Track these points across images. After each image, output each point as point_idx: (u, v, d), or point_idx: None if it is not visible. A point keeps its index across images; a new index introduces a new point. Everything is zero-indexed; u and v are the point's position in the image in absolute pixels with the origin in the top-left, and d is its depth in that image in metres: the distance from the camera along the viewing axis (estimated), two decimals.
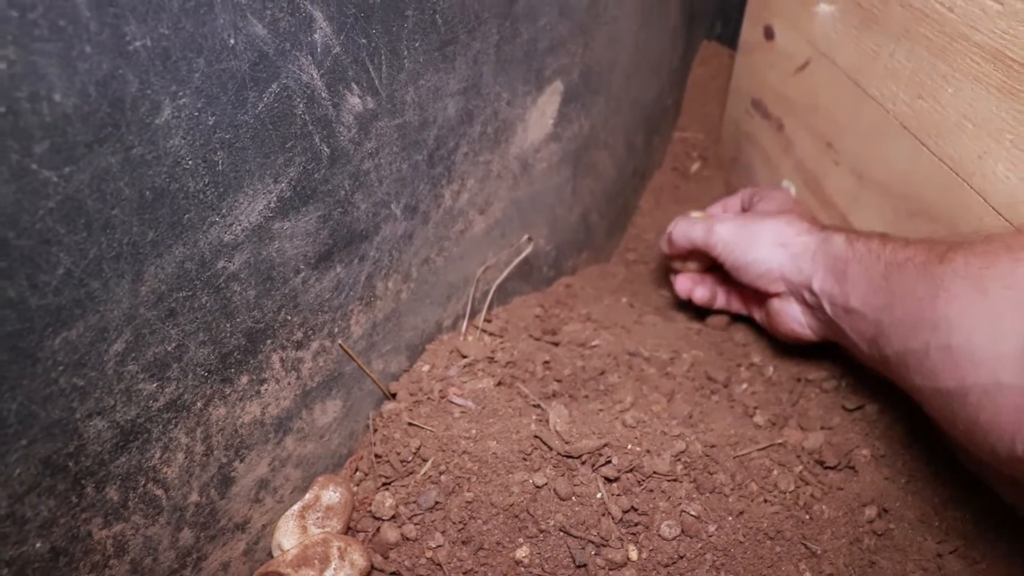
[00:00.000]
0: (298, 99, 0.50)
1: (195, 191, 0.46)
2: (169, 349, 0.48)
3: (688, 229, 0.84)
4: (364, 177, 0.59)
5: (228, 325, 0.52)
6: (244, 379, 0.55)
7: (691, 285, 0.90)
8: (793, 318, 0.76)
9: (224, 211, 0.48)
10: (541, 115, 0.79)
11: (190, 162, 0.45)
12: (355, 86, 0.54)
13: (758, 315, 0.85)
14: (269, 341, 0.56)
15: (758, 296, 0.82)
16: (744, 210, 0.91)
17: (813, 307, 0.72)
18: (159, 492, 0.52)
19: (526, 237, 0.83)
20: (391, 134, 0.59)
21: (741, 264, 0.77)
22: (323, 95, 0.52)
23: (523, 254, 0.83)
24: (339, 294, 0.61)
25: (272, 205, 0.51)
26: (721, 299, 0.90)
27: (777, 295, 0.76)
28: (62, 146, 0.38)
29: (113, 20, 0.38)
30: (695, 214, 0.89)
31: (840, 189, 0.87)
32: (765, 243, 0.75)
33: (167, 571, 0.54)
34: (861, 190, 0.83)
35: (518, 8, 0.68)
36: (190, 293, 0.48)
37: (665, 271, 1.11)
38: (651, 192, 1.18)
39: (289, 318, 0.57)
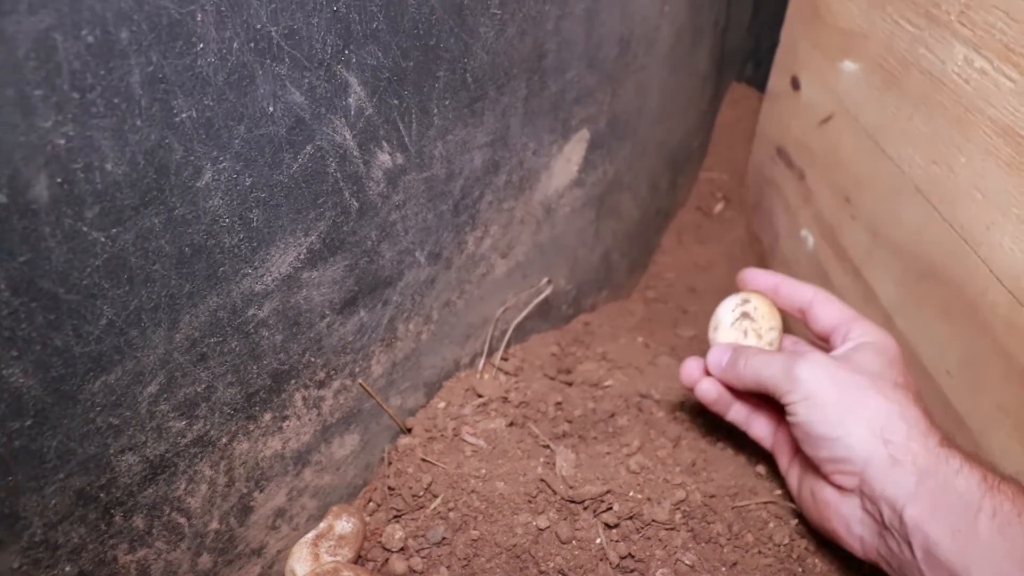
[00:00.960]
0: (331, 159, 0.53)
1: (230, 246, 0.49)
2: (199, 390, 0.51)
3: (761, 363, 0.65)
4: (391, 228, 0.61)
5: (255, 367, 0.55)
6: (268, 416, 0.58)
7: (699, 375, 0.72)
8: (845, 520, 0.60)
9: (256, 263, 0.51)
10: (566, 162, 0.81)
11: (227, 220, 0.48)
12: (385, 144, 0.57)
13: (787, 468, 0.70)
14: (293, 381, 0.59)
15: (803, 457, 0.64)
16: (822, 338, 0.71)
17: (886, 528, 0.56)
18: (182, 520, 0.55)
19: (546, 280, 0.86)
20: (418, 187, 0.62)
21: (818, 435, 0.59)
22: (355, 154, 0.55)
23: (542, 295, 0.86)
24: (361, 336, 0.64)
25: (302, 256, 0.54)
26: (738, 413, 0.73)
27: (839, 487, 0.60)
28: (111, 209, 0.41)
29: (163, 95, 0.41)
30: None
31: (855, 243, 0.88)
32: (861, 424, 0.57)
33: None
34: (875, 247, 0.84)
35: (547, 63, 0.71)
36: (221, 339, 0.51)
37: (683, 310, 1.13)
38: (673, 230, 1.20)
39: (313, 360, 0.60)
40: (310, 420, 0.62)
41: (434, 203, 0.65)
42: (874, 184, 0.84)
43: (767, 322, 0.71)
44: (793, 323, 0.85)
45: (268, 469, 0.61)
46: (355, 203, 0.57)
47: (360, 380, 0.66)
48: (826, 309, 0.69)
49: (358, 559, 0.67)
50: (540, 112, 0.73)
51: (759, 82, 1.24)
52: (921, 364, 0.77)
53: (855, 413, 0.58)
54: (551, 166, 0.79)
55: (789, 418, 0.62)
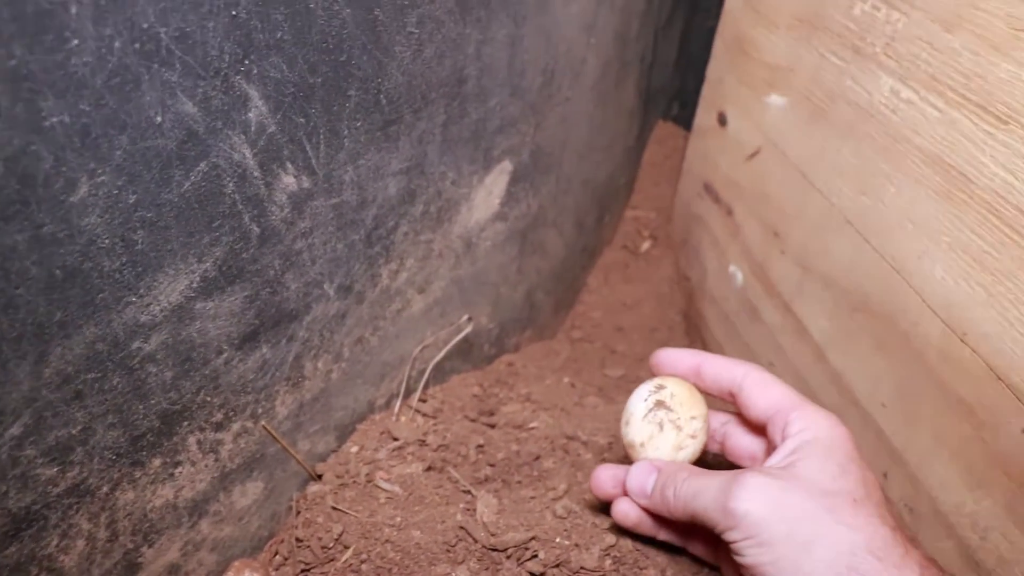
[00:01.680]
0: (228, 178, 0.48)
1: (111, 270, 0.44)
2: (74, 432, 0.46)
3: (691, 493, 0.54)
4: (296, 257, 0.57)
5: (141, 407, 0.50)
6: (157, 462, 0.53)
7: (614, 491, 0.63)
8: None
9: (142, 291, 0.46)
10: (488, 194, 0.78)
11: (107, 241, 0.43)
12: (290, 165, 0.53)
13: None
14: (186, 423, 0.54)
15: None
16: (757, 428, 0.61)
17: None
18: None
19: (466, 317, 0.82)
20: (327, 213, 0.58)
21: (788, 571, 0.47)
22: (255, 174, 0.50)
23: (463, 333, 0.82)
24: (264, 375, 0.59)
25: (195, 285, 0.50)
26: (670, 535, 0.64)
27: None
28: None
29: (28, 95, 0.37)
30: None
31: (785, 278, 0.87)
32: (821, 566, 0.46)
33: None
34: (805, 281, 0.83)
35: (467, 89, 0.68)
36: (100, 375, 0.46)
37: (610, 350, 1.10)
38: (600, 269, 1.18)
39: (209, 399, 0.55)
40: (206, 466, 0.57)
41: (344, 232, 0.61)
42: (803, 217, 0.83)
43: (687, 410, 0.61)
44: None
45: (158, 521, 0.55)
46: (256, 228, 0.52)
47: (263, 422, 0.61)
48: (760, 393, 0.59)
49: None
50: (460, 140, 0.70)
51: (685, 121, 1.24)
52: (855, 398, 0.75)
53: (812, 553, 0.47)
54: (472, 198, 0.76)
55: (734, 556, 0.51)
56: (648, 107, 1.18)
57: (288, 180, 0.53)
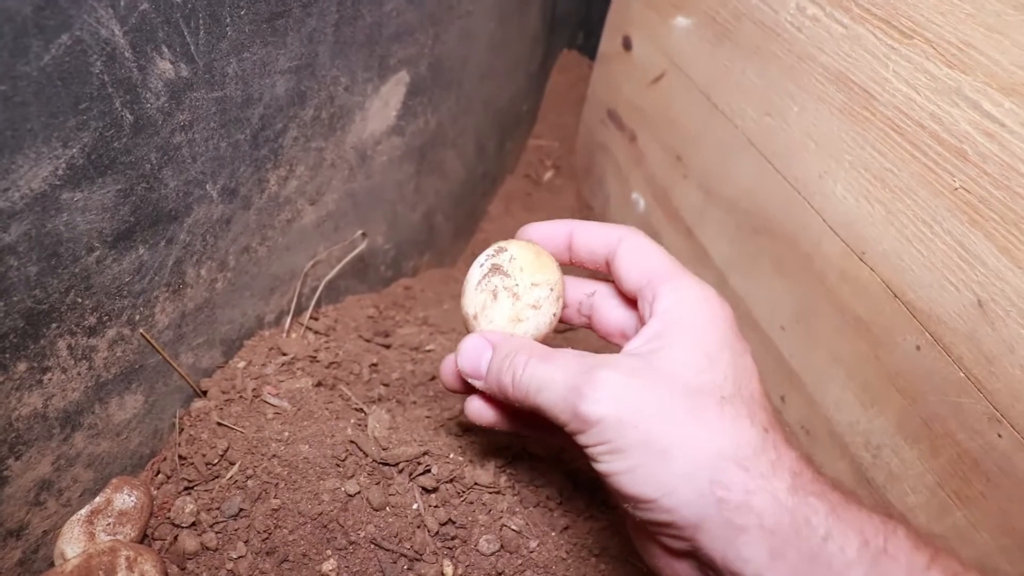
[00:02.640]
0: (95, 56, 0.45)
1: None
2: None
3: (533, 383, 0.46)
4: (174, 152, 0.53)
5: (2, 305, 0.46)
6: (22, 366, 0.49)
7: (459, 383, 0.54)
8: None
9: None
10: (384, 105, 0.75)
11: None
12: (166, 49, 0.49)
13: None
14: (55, 325, 0.50)
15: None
16: (630, 300, 0.52)
17: None
18: None
19: (360, 233, 0.79)
20: (208, 107, 0.55)
21: (627, 494, 0.42)
22: (126, 55, 0.47)
23: (357, 250, 0.79)
24: (142, 278, 0.55)
25: (60, 172, 0.46)
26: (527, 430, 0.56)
27: (669, 549, 0.44)
28: None
29: None
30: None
31: (687, 203, 0.87)
32: (681, 477, 0.41)
33: None
34: (707, 205, 0.83)
35: None
36: None
37: None
38: (501, 198, 1.16)
39: (80, 300, 0.51)
40: (79, 374, 0.54)
41: (228, 130, 0.57)
42: (706, 141, 0.83)
43: (527, 276, 0.51)
44: None
45: (26, 431, 0.51)
46: (129, 116, 0.49)
47: (141, 330, 0.58)
48: (633, 262, 0.50)
49: (144, 538, 0.59)
50: (353, 43, 0.67)
51: (590, 51, 1.22)
52: (755, 321, 0.76)
53: (670, 464, 0.41)
54: (366, 107, 0.73)
55: (590, 462, 0.44)
56: (552, 34, 1.16)
57: (164, 66, 0.50)
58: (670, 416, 0.42)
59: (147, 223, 0.54)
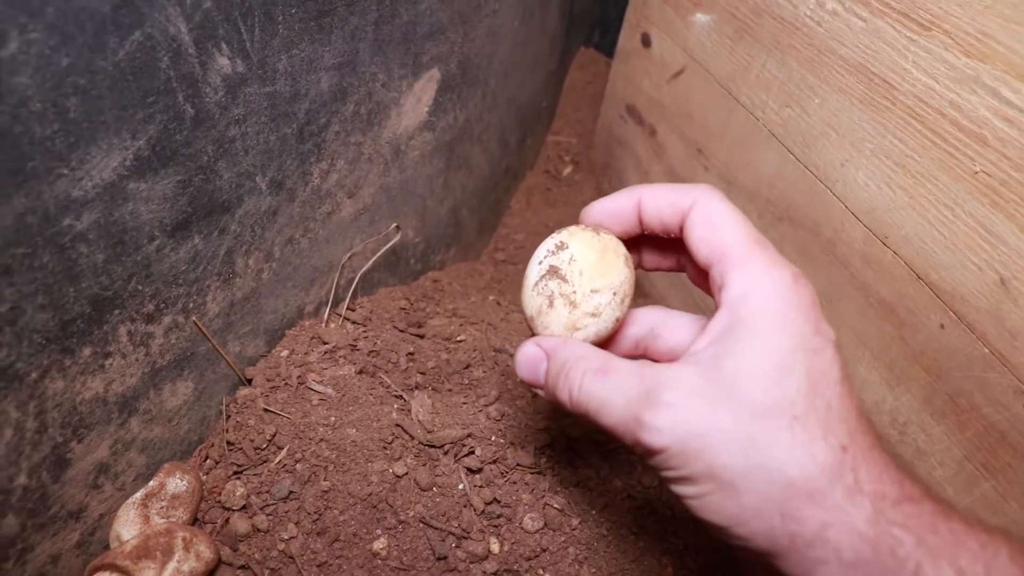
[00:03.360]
0: (163, 52, 0.47)
1: (42, 137, 0.42)
2: (2, 311, 0.44)
3: (594, 400, 0.43)
4: (229, 144, 0.56)
5: (72, 290, 0.48)
6: (87, 351, 0.51)
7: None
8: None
9: (74, 163, 0.44)
10: (416, 101, 0.77)
11: (38, 104, 0.41)
12: (225, 46, 0.51)
13: None
14: (117, 311, 0.52)
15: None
16: (702, 274, 0.47)
17: None
18: None
19: (394, 225, 0.82)
20: (260, 102, 0.57)
21: (705, 520, 0.41)
22: (190, 51, 0.49)
23: (391, 243, 0.81)
24: (196, 267, 0.57)
25: (128, 163, 0.48)
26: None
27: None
28: None
29: None
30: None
31: None
32: (751, 506, 0.39)
33: None
34: (730, 195, 0.84)
35: None
36: (30, 250, 0.44)
37: None
38: (522, 192, 1.18)
39: (140, 288, 0.53)
40: (137, 360, 0.56)
41: (277, 124, 0.59)
42: (727, 133, 0.84)
43: (588, 282, 0.47)
44: None
45: (88, 415, 0.53)
46: (190, 109, 0.51)
47: (194, 317, 0.60)
48: (701, 236, 0.45)
49: (195, 521, 0.61)
50: (391, 41, 0.69)
51: (606, 48, 1.24)
52: None
53: (739, 495, 0.39)
54: (401, 103, 0.75)
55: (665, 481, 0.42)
56: (570, 32, 1.18)
57: (223, 62, 0.52)
58: (736, 446, 0.39)
59: (203, 213, 0.56)
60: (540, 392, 0.49)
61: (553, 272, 0.47)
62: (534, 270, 0.48)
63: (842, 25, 0.67)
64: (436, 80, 0.79)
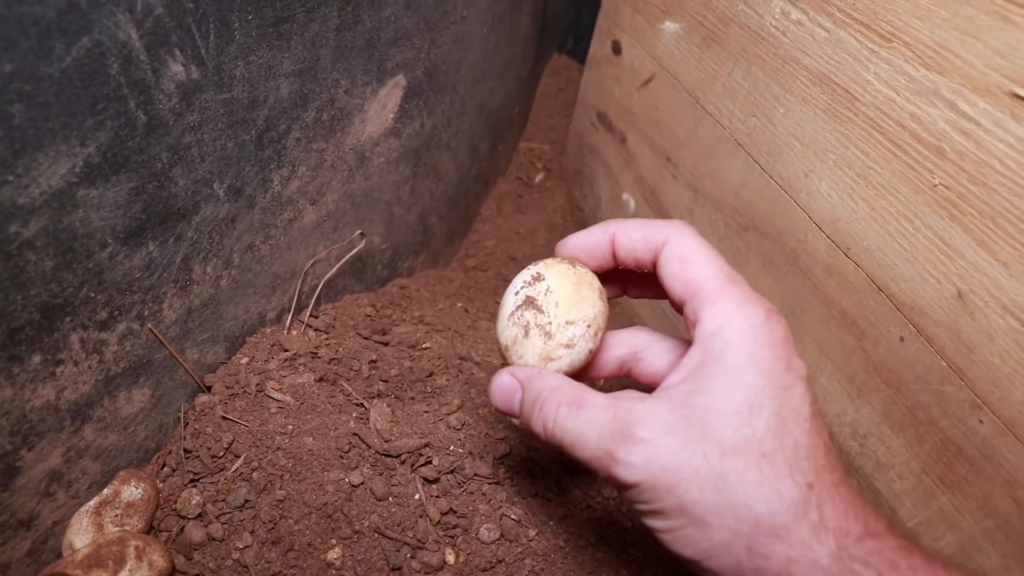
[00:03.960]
0: (112, 58, 0.46)
1: None
2: None
3: (568, 434, 0.45)
4: (184, 151, 0.55)
5: (20, 297, 0.48)
6: (36, 358, 0.51)
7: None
8: None
9: (20, 170, 0.44)
10: (381, 108, 0.77)
11: None
12: (179, 52, 0.51)
13: None
14: (68, 318, 0.52)
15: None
16: (677, 308, 0.48)
17: None
18: None
19: (359, 232, 0.81)
20: (217, 108, 0.56)
21: (676, 553, 0.43)
22: (141, 57, 0.48)
23: (355, 250, 0.81)
24: (151, 274, 0.57)
25: (78, 170, 0.47)
26: None
27: None
28: None
29: None
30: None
31: (676, 202, 0.89)
32: (720, 541, 0.40)
33: None
34: (696, 204, 0.85)
35: None
36: None
37: (504, 279, 1.10)
38: (494, 199, 1.18)
39: (92, 295, 0.53)
40: (90, 367, 0.55)
41: (235, 130, 0.59)
42: (695, 142, 0.85)
43: (563, 313, 0.48)
44: None
45: (38, 423, 0.53)
46: (142, 116, 0.50)
47: (150, 325, 0.59)
48: (674, 273, 0.46)
49: (150, 529, 0.60)
50: (354, 48, 0.69)
51: (579, 55, 1.24)
52: None
53: (709, 530, 0.40)
54: (365, 109, 0.74)
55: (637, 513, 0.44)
56: (543, 38, 1.18)
57: (176, 68, 0.51)
58: (707, 482, 0.40)
59: (157, 220, 0.55)
60: (515, 421, 0.50)
61: (529, 303, 0.49)
62: (510, 300, 0.50)
63: (806, 35, 0.67)
64: (402, 87, 0.79)
